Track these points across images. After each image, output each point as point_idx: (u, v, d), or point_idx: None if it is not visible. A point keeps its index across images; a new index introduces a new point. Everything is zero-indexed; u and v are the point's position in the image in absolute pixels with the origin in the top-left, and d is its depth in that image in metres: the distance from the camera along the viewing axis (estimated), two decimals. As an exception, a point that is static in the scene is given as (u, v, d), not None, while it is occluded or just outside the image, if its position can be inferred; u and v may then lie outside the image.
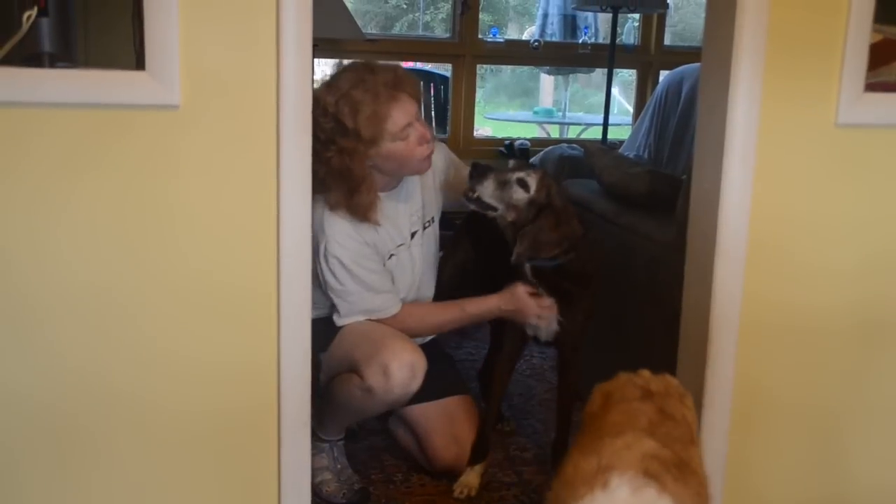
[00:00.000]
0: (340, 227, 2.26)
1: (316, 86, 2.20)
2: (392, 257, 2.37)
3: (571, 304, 2.38)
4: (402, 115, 2.21)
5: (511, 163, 2.39)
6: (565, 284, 2.35)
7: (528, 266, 2.33)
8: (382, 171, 2.28)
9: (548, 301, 2.34)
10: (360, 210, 2.24)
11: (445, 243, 2.65)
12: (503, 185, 2.27)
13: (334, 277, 2.28)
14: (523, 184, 2.27)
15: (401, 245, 2.39)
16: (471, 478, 2.41)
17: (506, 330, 2.50)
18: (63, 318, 1.61)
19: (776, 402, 2.04)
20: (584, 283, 2.37)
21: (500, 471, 2.55)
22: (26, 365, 1.61)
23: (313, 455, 2.32)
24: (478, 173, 2.27)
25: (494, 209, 2.29)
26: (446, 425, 2.46)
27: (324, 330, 2.30)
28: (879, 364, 2.07)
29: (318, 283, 2.29)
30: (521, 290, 2.33)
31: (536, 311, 2.34)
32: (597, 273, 2.39)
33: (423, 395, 2.43)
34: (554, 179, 2.38)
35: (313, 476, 2.30)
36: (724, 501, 2.03)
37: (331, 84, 2.22)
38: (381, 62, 2.27)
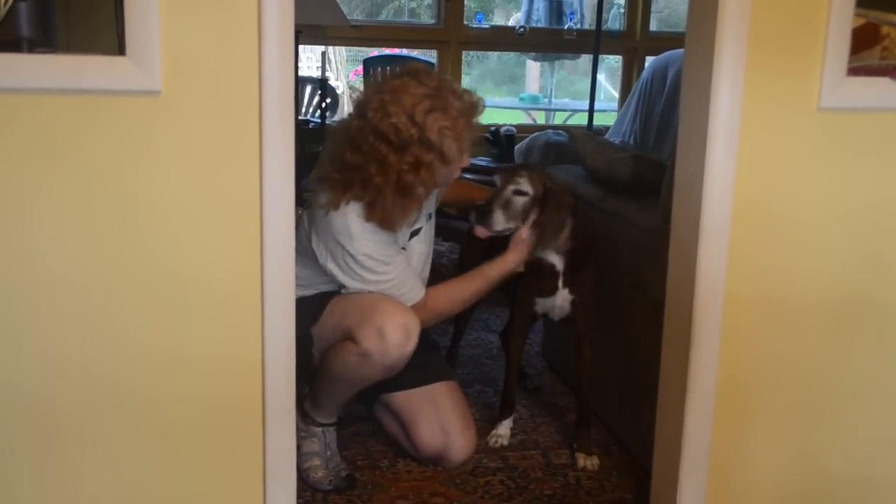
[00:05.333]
0: (366, 227, 2.24)
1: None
2: (404, 250, 2.38)
3: (579, 268, 2.49)
4: (467, 146, 2.26)
5: (496, 178, 2.47)
6: (574, 245, 2.46)
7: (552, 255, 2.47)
8: None
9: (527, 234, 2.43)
10: (398, 225, 2.26)
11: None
12: (506, 205, 2.40)
13: (369, 271, 2.27)
14: (520, 192, 2.40)
15: (409, 239, 2.41)
16: (502, 430, 2.64)
17: (515, 309, 2.65)
18: (46, 307, 1.60)
19: (761, 387, 2.05)
20: (586, 251, 2.48)
21: (485, 456, 2.56)
22: (6, 354, 1.60)
23: (304, 440, 2.35)
24: (483, 213, 2.39)
25: (513, 229, 2.42)
26: (432, 412, 2.46)
27: (313, 305, 2.30)
28: (863, 350, 2.08)
29: (307, 262, 2.29)
30: (524, 232, 2.41)
31: (524, 247, 2.44)
32: (596, 240, 2.51)
33: (408, 381, 2.44)
34: (535, 166, 2.56)
35: (302, 461, 2.32)
36: (709, 485, 2.04)
37: (416, 93, 2.16)
38: (457, 85, 2.27)
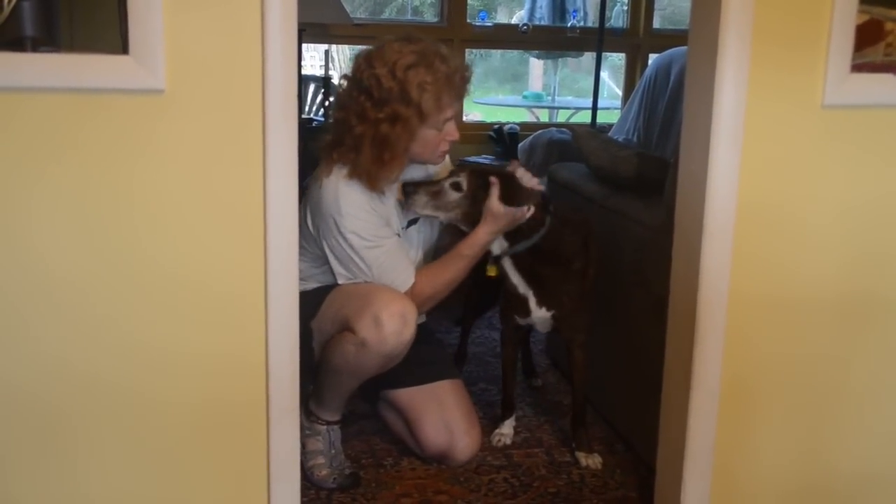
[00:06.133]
0: (356, 201, 2.26)
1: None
2: (398, 236, 2.39)
3: (554, 288, 2.45)
4: (451, 109, 2.28)
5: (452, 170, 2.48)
6: (542, 269, 2.43)
7: (507, 258, 2.43)
8: None
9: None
10: (380, 182, 2.27)
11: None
12: (437, 194, 2.37)
13: (356, 253, 2.28)
14: (457, 186, 2.37)
15: (404, 227, 2.42)
16: (505, 429, 2.66)
17: (503, 320, 2.64)
18: (45, 308, 1.60)
19: (765, 384, 2.05)
20: (564, 265, 2.43)
21: (489, 454, 2.55)
22: (5, 354, 1.60)
23: (308, 438, 2.35)
24: (408, 191, 2.37)
25: (436, 217, 2.42)
26: (437, 411, 2.46)
27: (312, 300, 2.31)
28: (868, 347, 2.08)
29: (305, 254, 2.30)
30: (495, 204, 2.31)
31: (520, 210, 2.33)
32: (579, 254, 2.45)
33: (413, 378, 2.45)
34: (485, 171, 2.47)
35: (306, 459, 2.32)
36: (713, 483, 2.04)
37: (402, 49, 2.22)
38: (446, 51, 2.29)
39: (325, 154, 2.31)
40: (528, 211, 2.33)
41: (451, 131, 2.31)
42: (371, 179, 2.26)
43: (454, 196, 2.36)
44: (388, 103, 2.21)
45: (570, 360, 2.58)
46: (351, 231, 2.26)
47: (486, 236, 2.36)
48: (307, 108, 5.17)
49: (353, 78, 2.27)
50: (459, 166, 2.43)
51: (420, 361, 2.40)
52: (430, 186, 2.37)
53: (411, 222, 2.44)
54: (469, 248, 2.37)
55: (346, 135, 2.25)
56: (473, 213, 2.35)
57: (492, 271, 2.48)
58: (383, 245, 2.30)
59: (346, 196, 2.25)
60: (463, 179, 2.36)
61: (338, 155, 2.27)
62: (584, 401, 2.58)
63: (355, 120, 2.23)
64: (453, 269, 2.39)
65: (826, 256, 2.00)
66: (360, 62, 2.27)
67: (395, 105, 2.21)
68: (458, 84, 2.27)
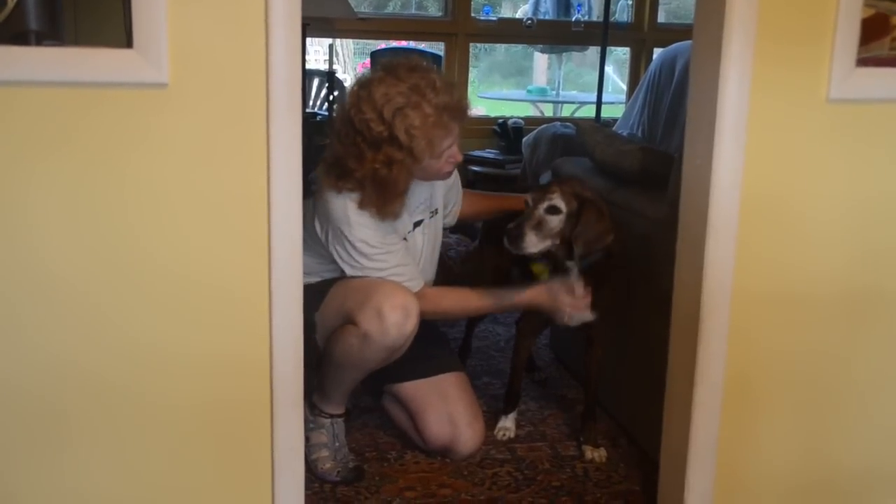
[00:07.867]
0: (363, 214, 2.26)
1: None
2: (404, 240, 2.39)
3: (598, 293, 2.44)
4: (448, 141, 2.24)
5: (528, 197, 2.39)
6: (600, 273, 2.41)
7: (574, 268, 2.39)
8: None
9: (583, 295, 2.39)
10: (389, 214, 2.28)
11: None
12: (539, 224, 2.32)
13: (366, 258, 2.28)
14: (554, 209, 2.32)
15: (410, 231, 2.42)
16: (508, 423, 2.65)
17: (526, 313, 2.62)
18: (45, 306, 1.60)
19: (769, 380, 2.04)
20: (611, 266, 2.43)
21: (493, 448, 2.56)
22: (5, 353, 1.60)
23: (312, 431, 2.36)
24: (514, 236, 2.31)
25: (550, 247, 2.35)
26: (440, 404, 2.46)
27: (316, 292, 2.31)
28: (872, 343, 2.07)
29: (311, 250, 2.30)
30: (557, 287, 2.37)
31: (571, 308, 2.39)
32: (621, 252, 2.44)
33: (417, 372, 2.46)
34: (570, 179, 2.46)
35: (310, 452, 2.33)
36: (717, 478, 2.04)
37: (389, 91, 2.16)
38: (440, 78, 2.23)
39: (329, 178, 2.27)
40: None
41: (453, 155, 2.29)
42: (381, 212, 2.26)
43: (555, 220, 2.32)
44: (380, 147, 2.17)
45: (589, 355, 2.57)
46: (360, 240, 2.26)
47: (531, 305, 2.45)
48: (311, 103, 5.18)
49: (348, 115, 2.21)
50: (543, 188, 2.38)
51: (423, 355, 2.40)
52: (529, 221, 2.32)
53: (416, 224, 2.44)
54: (508, 302, 2.48)
55: (348, 174, 2.22)
56: (569, 235, 2.32)
57: (538, 270, 2.46)
58: (391, 251, 2.30)
59: (353, 209, 2.25)
60: (557, 198, 2.31)
61: (342, 183, 2.24)
62: (598, 394, 2.58)
63: (354, 163, 2.20)
64: (481, 303, 2.49)
65: (830, 252, 2.00)
66: (352, 100, 2.21)
67: (387, 149, 2.17)
68: (448, 120, 2.20)
